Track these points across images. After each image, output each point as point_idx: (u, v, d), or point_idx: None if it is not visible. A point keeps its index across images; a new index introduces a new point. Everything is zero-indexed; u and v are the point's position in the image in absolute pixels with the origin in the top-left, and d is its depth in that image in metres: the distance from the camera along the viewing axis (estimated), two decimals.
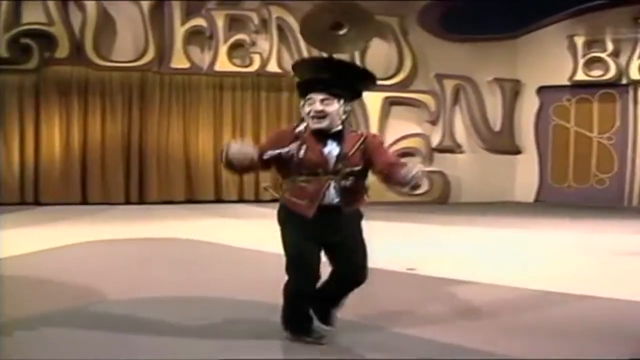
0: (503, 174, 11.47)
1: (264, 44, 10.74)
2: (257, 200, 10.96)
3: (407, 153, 10.98)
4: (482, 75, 11.33)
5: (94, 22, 10.37)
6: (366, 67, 3.69)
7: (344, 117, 3.19)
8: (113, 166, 10.60)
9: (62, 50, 10.34)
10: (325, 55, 3.93)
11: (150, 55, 10.52)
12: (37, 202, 10.56)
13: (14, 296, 4.48)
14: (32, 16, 10.29)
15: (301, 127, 3.18)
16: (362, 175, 3.21)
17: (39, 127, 10.62)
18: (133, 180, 10.69)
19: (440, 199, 11.05)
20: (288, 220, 3.24)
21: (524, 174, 11.57)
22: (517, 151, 11.67)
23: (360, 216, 3.31)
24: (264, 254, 6.26)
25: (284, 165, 3.19)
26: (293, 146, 3.13)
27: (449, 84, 11.15)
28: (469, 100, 11.29)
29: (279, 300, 3.46)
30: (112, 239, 7.18)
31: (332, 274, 3.34)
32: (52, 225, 8.14)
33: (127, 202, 10.64)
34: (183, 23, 10.58)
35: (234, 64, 10.68)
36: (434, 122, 11.12)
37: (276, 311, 3.49)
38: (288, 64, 10.76)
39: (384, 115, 10.94)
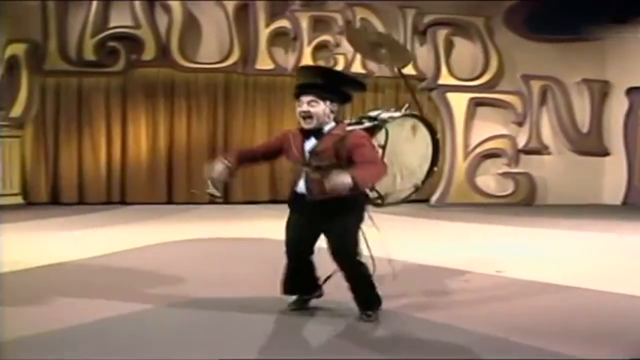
0: (590, 175, 11.27)
1: (348, 45, 10.74)
2: None
3: (492, 154, 10.93)
4: (569, 76, 11.13)
5: (180, 24, 10.57)
6: (355, 77, 4.82)
7: (331, 116, 3.70)
8: (198, 166, 10.72)
9: (149, 52, 10.57)
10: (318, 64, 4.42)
11: (235, 56, 10.66)
12: (123, 202, 10.83)
13: (103, 294, 4.65)
14: (119, 20, 10.55)
15: (297, 130, 3.81)
16: (334, 170, 3.55)
17: (125, 128, 10.89)
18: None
19: (526, 201, 10.93)
20: (289, 202, 3.97)
21: (612, 176, 11.34)
22: (605, 153, 11.45)
23: (348, 206, 3.67)
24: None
25: (274, 157, 4.05)
26: (288, 142, 3.80)
27: (536, 85, 11.01)
28: (556, 101, 11.13)
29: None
30: (198, 239, 7.33)
31: None
32: (139, 225, 8.35)
33: (212, 202, 10.79)
34: (267, 24, 10.68)
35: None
36: (520, 124, 11.00)
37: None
38: (372, 64, 10.80)
39: (470, 116, 10.87)
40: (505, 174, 10.92)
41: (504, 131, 11.00)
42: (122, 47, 10.51)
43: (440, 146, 4.83)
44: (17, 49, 10.45)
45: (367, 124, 4.30)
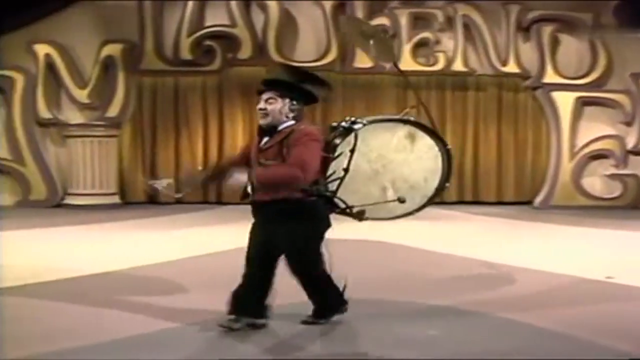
0: None
1: (449, 42, 10.61)
2: (441, 202, 10.85)
3: (599, 155, 10.66)
4: None
5: (276, 22, 10.53)
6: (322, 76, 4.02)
7: (291, 115, 3.59)
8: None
9: (245, 51, 10.57)
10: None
11: (332, 54, 10.58)
12: (219, 202, 10.87)
13: (206, 293, 4.66)
14: (215, 18, 10.57)
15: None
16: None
17: (222, 128, 10.94)
18: None
19: (634, 204, 10.63)
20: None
21: None
22: None
23: (298, 210, 3.55)
24: (445, 256, 6.40)
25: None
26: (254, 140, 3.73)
27: None
28: None
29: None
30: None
31: None
32: (237, 225, 8.16)
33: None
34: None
35: (418, 63, 10.59)
36: (629, 123, 10.65)
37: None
38: (474, 62, 10.64)
39: (576, 116, 10.59)
40: (612, 176, 10.63)
41: (612, 131, 10.69)
42: (219, 46, 10.54)
43: (453, 157, 4.37)
44: (114, 49, 10.56)
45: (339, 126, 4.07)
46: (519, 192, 11.05)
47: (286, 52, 10.61)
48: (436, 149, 4.32)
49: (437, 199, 4.40)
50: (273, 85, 3.66)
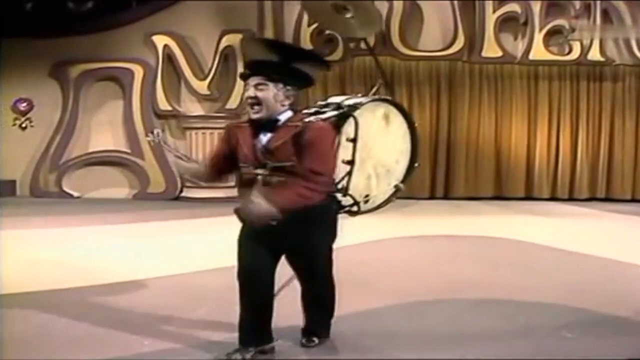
0: None
1: (586, 30, 10.21)
2: (571, 199, 10.55)
3: None
4: None
5: (401, 11, 10.33)
6: (316, 52, 3.43)
7: (287, 102, 2.98)
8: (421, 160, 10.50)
9: (368, 40, 10.35)
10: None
11: (459, 44, 10.34)
12: None
13: None
14: None
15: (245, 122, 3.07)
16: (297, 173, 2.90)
17: None
18: (440, 174, 10.58)
19: None
20: (236, 213, 3.01)
21: None
22: None
23: (314, 215, 2.97)
24: (575, 255, 6.07)
25: (237, 159, 3.08)
26: (235, 138, 3.05)
27: None
28: None
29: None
30: (419, 235, 7.10)
31: None
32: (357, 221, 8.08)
33: (432, 196, 10.57)
34: (495, 9, 10.28)
35: (551, 52, 10.25)
36: None
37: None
38: (612, 51, 10.23)
39: None
40: None
41: None
42: (340, 36, 10.36)
43: (419, 137, 3.99)
44: (233, 39, 10.52)
45: (329, 113, 3.43)
46: None
47: (411, 42, 10.41)
48: (405, 127, 3.96)
49: (408, 181, 3.99)
50: (261, 68, 3.04)
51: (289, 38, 10.45)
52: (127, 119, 10.68)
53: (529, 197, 10.58)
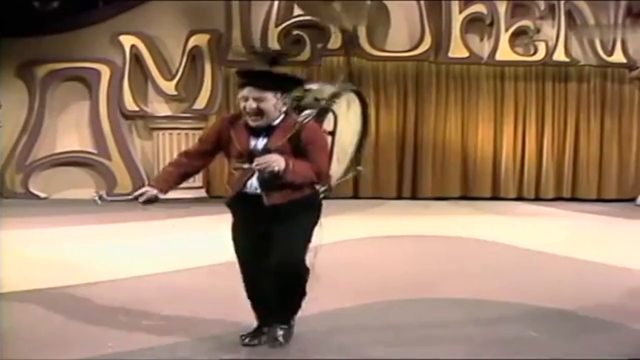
0: None
1: (550, 30, 10.30)
2: (537, 199, 10.63)
3: None
4: None
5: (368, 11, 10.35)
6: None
7: (283, 109, 3.20)
8: (387, 159, 10.57)
9: (335, 41, 10.44)
10: None
11: (426, 44, 10.40)
12: None
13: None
14: None
15: (241, 120, 3.24)
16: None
17: None
18: (407, 175, 10.63)
19: None
20: (229, 206, 3.36)
21: None
22: None
23: (303, 207, 3.24)
24: (541, 255, 6.13)
25: (222, 152, 3.34)
26: (228, 134, 3.24)
27: None
28: None
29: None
30: (386, 235, 7.08)
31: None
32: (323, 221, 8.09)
33: (399, 197, 10.62)
34: (461, 10, 10.36)
35: (517, 53, 10.34)
36: None
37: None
38: (577, 52, 10.33)
39: None
40: None
41: None
42: (308, 36, 10.42)
43: (369, 115, 4.16)
44: (200, 39, 10.53)
45: (311, 110, 3.50)
46: (621, 188, 10.72)
47: (378, 42, 10.46)
48: (359, 109, 4.08)
49: (359, 158, 4.12)
50: (260, 79, 3.22)
51: (256, 38, 10.48)
52: (94, 120, 10.66)
53: (495, 197, 10.66)
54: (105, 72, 10.61)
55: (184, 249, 6.37)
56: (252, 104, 3.13)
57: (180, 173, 3.45)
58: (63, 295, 4.53)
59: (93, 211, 8.87)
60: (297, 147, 3.16)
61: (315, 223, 3.35)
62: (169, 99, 10.58)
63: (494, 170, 10.69)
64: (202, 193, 10.69)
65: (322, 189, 3.47)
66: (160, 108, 10.65)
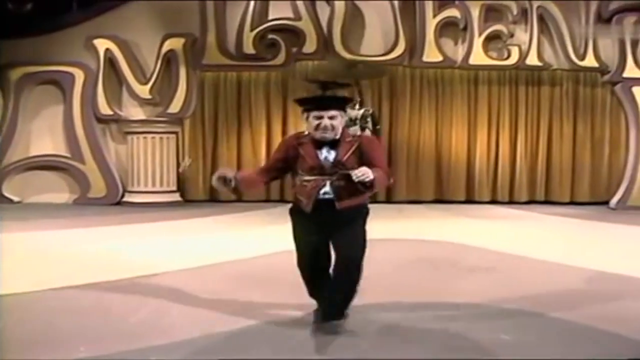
0: None
1: (523, 35, 10.38)
2: (511, 202, 10.71)
3: None
4: None
5: (342, 15, 10.40)
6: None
7: (343, 124, 3.82)
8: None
9: (310, 45, 10.47)
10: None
11: (400, 48, 10.42)
12: (282, 200, 10.78)
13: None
14: (279, 11, 10.49)
15: (305, 133, 3.84)
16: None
17: (286, 124, 10.87)
18: None
19: None
20: (293, 213, 3.88)
21: None
22: None
23: (362, 212, 3.81)
24: (514, 257, 6.19)
25: (291, 167, 3.84)
26: (296, 150, 3.77)
27: None
28: None
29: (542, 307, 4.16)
30: None
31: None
32: None
33: (374, 200, 10.60)
34: (435, 14, 10.40)
35: (490, 57, 10.39)
36: None
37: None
38: (550, 56, 10.42)
39: None
40: None
41: None
42: (283, 40, 10.45)
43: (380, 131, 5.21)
44: (175, 43, 10.54)
45: (355, 127, 4.66)
46: (594, 191, 10.83)
47: (352, 46, 10.48)
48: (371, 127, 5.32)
49: None
50: (336, 102, 3.90)
51: (231, 42, 10.50)
52: (68, 123, 10.62)
53: (469, 201, 10.73)
54: (79, 75, 10.58)
55: (153, 254, 6.34)
56: (327, 121, 3.72)
57: (257, 180, 3.99)
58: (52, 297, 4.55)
59: (67, 215, 9.00)
60: (360, 157, 3.73)
61: (365, 226, 3.85)
62: (143, 102, 10.55)
63: (468, 173, 10.77)
64: (176, 197, 10.68)
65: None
66: (134, 112, 10.62)
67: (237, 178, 3.79)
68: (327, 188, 3.71)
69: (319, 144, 3.76)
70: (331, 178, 3.70)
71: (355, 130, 4.65)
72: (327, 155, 3.75)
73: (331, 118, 3.75)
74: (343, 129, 3.85)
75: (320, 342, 3.66)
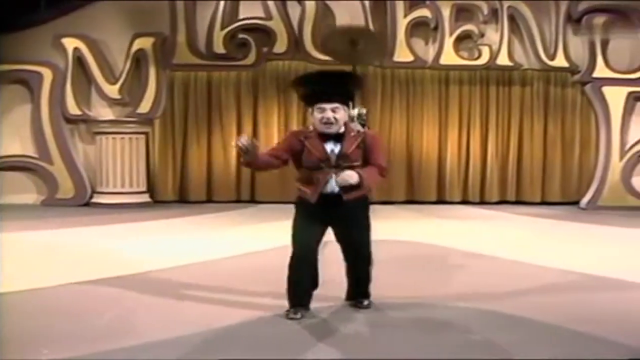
0: None
1: (494, 35, 10.37)
2: (482, 202, 10.70)
3: None
4: None
5: (313, 14, 10.34)
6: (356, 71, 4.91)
7: (346, 119, 3.96)
8: None
9: (281, 44, 10.40)
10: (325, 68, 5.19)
11: None
12: (253, 200, 10.72)
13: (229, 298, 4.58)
14: (249, 11, 10.41)
15: (310, 128, 4.00)
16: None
17: (256, 124, 10.78)
18: None
19: None
20: (298, 204, 4.03)
21: None
22: None
23: (365, 204, 4.04)
24: (485, 258, 6.22)
25: (296, 160, 4.01)
26: (302, 144, 3.93)
27: None
28: None
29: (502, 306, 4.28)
30: (330, 240, 7.01)
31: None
32: (271, 225, 7.87)
33: None
34: (406, 14, 10.37)
35: (461, 57, 10.37)
36: None
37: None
38: (520, 56, 10.42)
39: (628, 112, 10.28)
40: None
41: None
42: (253, 40, 10.38)
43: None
44: (145, 42, 10.41)
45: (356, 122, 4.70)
46: (565, 192, 10.82)
47: None
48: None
49: None
50: (337, 95, 3.93)
51: (201, 41, 10.41)
52: (36, 124, 10.47)
53: (440, 201, 10.70)
54: (47, 75, 10.43)
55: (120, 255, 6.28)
56: (330, 114, 3.85)
57: (269, 161, 4.06)
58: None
59: (34, 217, 8.87)
60: (364, 151, 3.91)
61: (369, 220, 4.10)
62: (112, 102, 10.42)
63: (439, 174, 10.74)
64: (146, 198, 10.58)
65: None
66: (103, 112, 10.48)
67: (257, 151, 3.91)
68: (332, 181, 3.87)
69: (325, 138, 3.92)
70: (337, 170, 3.85)
71: (356, 126, 4.60)
72: (334, 148, 3.90)
73: (334, 111, 3.87)
74: (346, 124, 4.00)
75: (296, 341, 3.66)
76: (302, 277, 4.05)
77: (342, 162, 3.89)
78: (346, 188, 3.86)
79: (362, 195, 3.98)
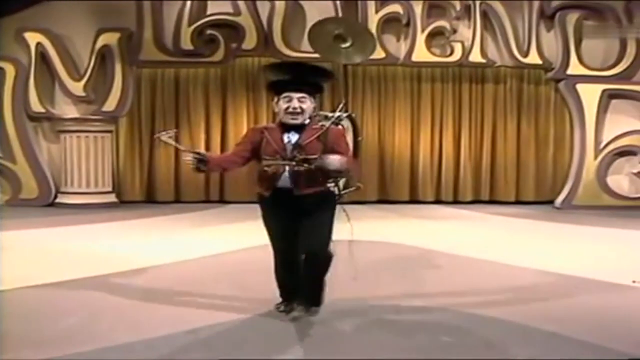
0: None
1: (466, 31, 10.22)
2: (456, 202, 10.55)
3: (627, 152, 10.26)
4: None
5: (283, 10, 10.16)
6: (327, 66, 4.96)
7: (312, 112, 3.88)
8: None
9: (250, 41, 10.21)
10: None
11: None
12: (222, 200, 10.53)
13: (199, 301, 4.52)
14: (218, 6, 10.21)
15: (271, 124, 3.96)
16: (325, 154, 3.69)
17: (225, 122, 10.61)
18: None
19: None
20: (260, 202, 3.93)
21: None
22: None
23: (326, 200, 3.84)
24: (459, 258, 6.15)
25: (256, 154, 3.89)
26: (262, 136, 3.84)
27: None
28: None
29: (491, 307, 4.22)
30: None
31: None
32: (241, 225, 7.74)
33: None
34: (378, 10, 10.20)
35: (433, 54, 10.22)
36: None
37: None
38: (493, 53, 10.28)
39: (602, 109, 10.18)
40: None
41: None
42: (222, 36, 10.18)
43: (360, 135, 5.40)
44: (110, 38, 10.18)
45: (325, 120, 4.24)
46: (539, 191, 10.71)
47: (293, 43, 10.23)
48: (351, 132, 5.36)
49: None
50: (306, 85, 3.86)
51: (168, 37, 10.19)
52: None
53: (413, 201, 10.55)
54: (10, 70, 10.17)
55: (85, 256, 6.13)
56: (296, 103, 3.76)
57: (230, 159, 4.00)
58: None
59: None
60: (325, 145, 3.71)
61: (334, 215, 3.90)
62: (77, 100, 10.17)
63: (412, 173, 10.60)
64: (112, 198, 10.33)
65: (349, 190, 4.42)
66: (67, 110, 10.23)
67: (209, 156, 3.80)
68: (286, 174, 3.74)
69: (285, 128, 3.82)
70: (290, 163, 3.72)
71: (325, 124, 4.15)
72: (291, 138, 3.79)
73: (301, 101, 3.79)
74: (312, 118, 3.91)
75: (264, 342, 3.63)
76: (286, 278, 4.06)
77: (297, 154, 3.75)
78: (298, 182, 3.73)
79: (321, 191, 3.80)
